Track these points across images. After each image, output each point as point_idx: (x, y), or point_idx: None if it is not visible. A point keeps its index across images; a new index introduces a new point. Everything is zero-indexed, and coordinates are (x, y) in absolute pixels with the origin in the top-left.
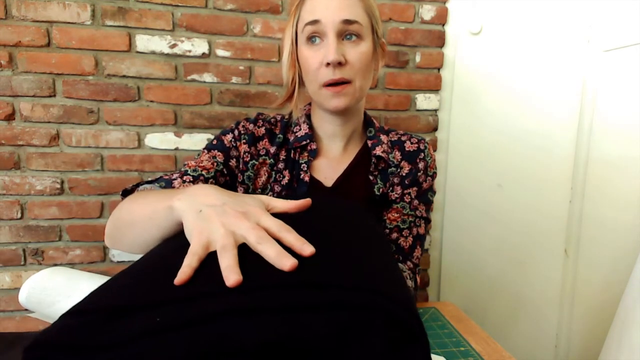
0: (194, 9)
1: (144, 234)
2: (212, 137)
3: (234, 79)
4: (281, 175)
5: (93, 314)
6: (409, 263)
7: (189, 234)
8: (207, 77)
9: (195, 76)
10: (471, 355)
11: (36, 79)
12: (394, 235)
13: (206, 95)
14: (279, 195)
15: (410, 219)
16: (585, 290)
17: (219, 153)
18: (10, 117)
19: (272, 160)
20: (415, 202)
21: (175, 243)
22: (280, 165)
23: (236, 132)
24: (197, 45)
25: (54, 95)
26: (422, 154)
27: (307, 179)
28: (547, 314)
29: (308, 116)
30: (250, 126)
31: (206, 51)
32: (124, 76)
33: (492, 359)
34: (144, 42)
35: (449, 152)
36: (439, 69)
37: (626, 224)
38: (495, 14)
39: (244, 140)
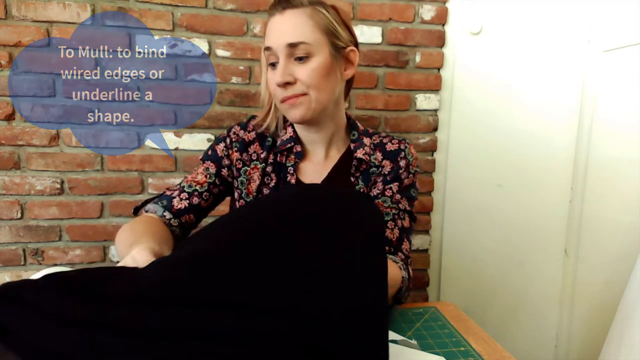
0: (194, 9)
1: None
2: (212, 137)
3: (234, 79)
4: (269, 178)
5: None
6: (400, 254)
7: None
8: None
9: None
10: (471, 355)
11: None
12: None
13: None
14: None
15: (393, 211)
16: (585, 290)
17: (212, 164)
18: (10, 117)
19: (263, 164)
20: (398, 196)
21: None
22: (269, 169)
23: (228, 140)
24: (197, 45)
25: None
26: (403, 153)
27: (293, 181)
28: (547, 314)
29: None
30: (241, 132)
31: (206, 51)
32: (124, 76)
33: (492, 359)
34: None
35: (449, 152)
36: (439, 69)
37: (626, 224)
38: (495, 14)
39: (235, 148)
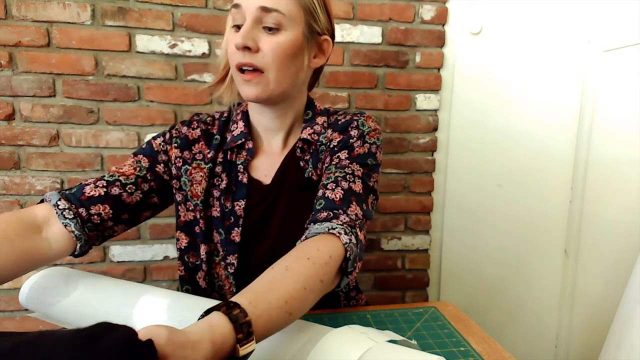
0: (194, 9)
1: None
2: None
3: None
4: (219, 179)
5: None
6: (342, 217)
7: None
8: (207, 77)
9: (195, 76)
10: (471, 355)
11: (36, 79)
12: (321, 191)
13: (206, 95)
14: (219, 201)
15: (337, 174)
16: (585, 291)
17: (145, 158)
18: (10, 117)
19: (210, 164)
20: (346, 162)
21: None
22: (218, 169)
23: (167, 135)
24: (197, 45)
25: (54, 95)
26: (356, 123)
27: (245, 180)
28: (547, 314)
29: (245, 113)
30: (184, 129)
31: (206, 51)
32: (124, 76)
33: (492, 359)
34: (144, 42)
35: (449, 152)
36: (439, 69)
37: (626, 224)
38: (495, 14)
39: (175, 144)
